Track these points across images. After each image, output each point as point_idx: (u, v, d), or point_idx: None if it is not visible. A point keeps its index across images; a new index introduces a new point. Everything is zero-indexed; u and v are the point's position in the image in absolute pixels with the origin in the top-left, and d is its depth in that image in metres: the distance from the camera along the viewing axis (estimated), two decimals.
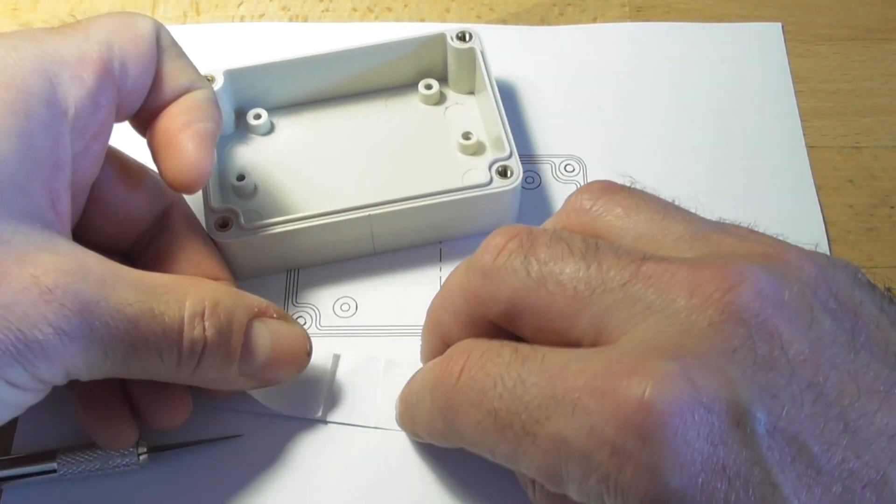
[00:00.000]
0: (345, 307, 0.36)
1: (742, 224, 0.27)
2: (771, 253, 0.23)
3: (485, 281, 0.26)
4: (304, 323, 0.36)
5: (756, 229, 0.26)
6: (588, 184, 0.28)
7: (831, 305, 0.22)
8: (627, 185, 0.27)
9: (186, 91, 0.31)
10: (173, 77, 0.31)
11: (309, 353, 0.32)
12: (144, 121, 0.32)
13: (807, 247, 0.25)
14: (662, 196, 0.28)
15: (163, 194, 0.33)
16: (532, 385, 0.22)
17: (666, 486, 0.20)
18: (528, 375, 0.23)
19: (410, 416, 0.29)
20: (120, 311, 0.26)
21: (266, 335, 0.30)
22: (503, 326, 0.26)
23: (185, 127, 0.31)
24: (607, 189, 0.27)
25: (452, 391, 0.25)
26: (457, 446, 0.26)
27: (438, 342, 0.29)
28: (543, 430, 0.22)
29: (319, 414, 0.33)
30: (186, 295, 0.28)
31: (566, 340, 0.24)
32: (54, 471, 0.31)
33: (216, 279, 0.33)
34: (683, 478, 0.20)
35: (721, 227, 0.25)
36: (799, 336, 0.21)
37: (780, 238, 0.26)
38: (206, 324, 0.28)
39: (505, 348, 0.24)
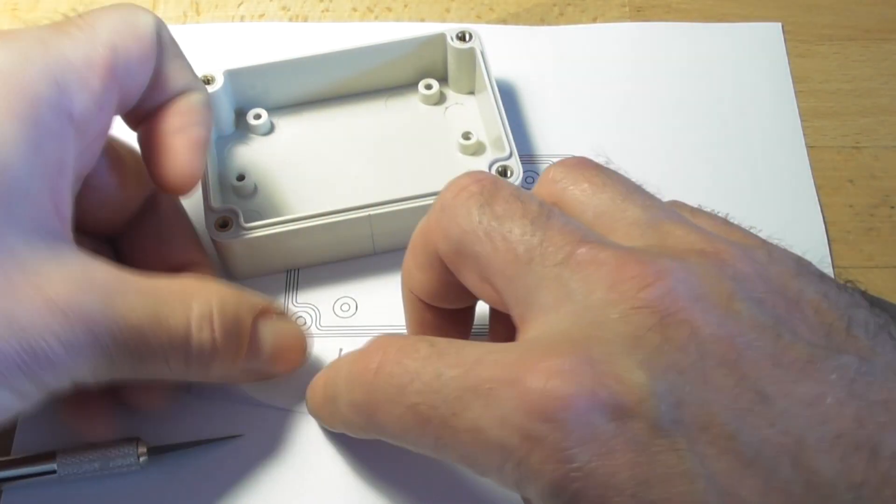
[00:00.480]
0: (345, 307, 0.36)
1: (719, 213, 0.27)
2: (708, 250, 0.24)
3: (440, 216, 0.26)
4: (304, 323, 0.36)
5: (731, 220, 0.27)
6: (564, 158, 0.28)
7: (757, 295, 0.22)
8: (602, 163, 0.28)
9: (183, 92, 0.32)
10: (172, 77, 0.31)
11: (307, 351, 0.32)
12: (138, 117, 0.32)
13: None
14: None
15: (151, 179, 0.33)
16: (449, 378, 0.23)
17: (572, 463, 0.20)
18: (445, 369, 0.23)
19: (328, 408, 0.29)
20: (125, 320, 0.26)
21: (269, 334, 0.30)
22: (451, 268, 0.27)
23: (179, 130, 0.31)
24: (579, 164, 0.27)
25: (371, 387, 0.25)
26: (374, 438, 0.27)
27: (410, 296, 0.30)
28: (461, 421, 0.22)
29: None
30: (192, 298, 0.28)
31: (502, 301, 0.25)
32: (54, 471, 0.31)
33: (200, 263, 0.33)
34: (589, 454, 0.20)
35: (677, 217, 0.26)
36: (713, 322, 0.22)
37: (754, 231, 0.26)
38: (215, 325, 0.28)
39: (421, 343, 0.24)
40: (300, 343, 0.32)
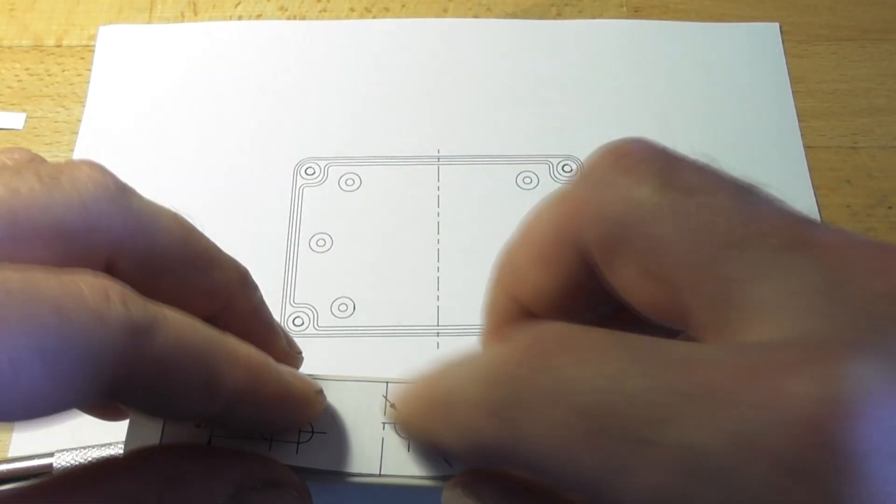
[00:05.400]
0: (342, 307, 0.36)
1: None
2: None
3: (595, 190, 0.20)
4: (301, 323, 0.36)
5: None
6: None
7: None
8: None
9: None
10: None
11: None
12: None
13: None
14: None
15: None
16: (643, 376, 0.17)
17: None
18: (634, 365, 0.18)
19: (437, 414, 0.22)
20: None
21: None
22: (597, 261, 0.20)
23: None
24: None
25: (524, 382, 0.18)
26: (489, 463, 0.20)
27: (506, 304, 0.23)
28: (662, 436, 0.16)
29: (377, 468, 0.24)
30: None
31: (674, 303, 0.19)
32: (51, 473, 0.31)
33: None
34: None
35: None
36: None
37: None
38: None
39: (597, 332, 0.19)
40: None
